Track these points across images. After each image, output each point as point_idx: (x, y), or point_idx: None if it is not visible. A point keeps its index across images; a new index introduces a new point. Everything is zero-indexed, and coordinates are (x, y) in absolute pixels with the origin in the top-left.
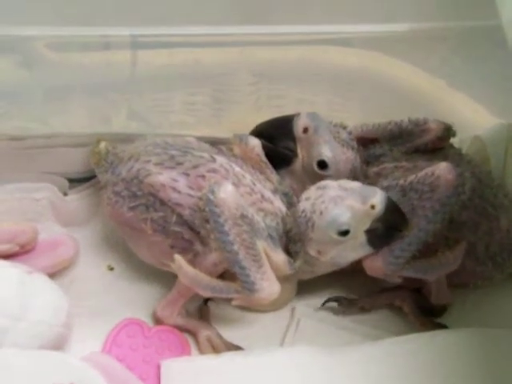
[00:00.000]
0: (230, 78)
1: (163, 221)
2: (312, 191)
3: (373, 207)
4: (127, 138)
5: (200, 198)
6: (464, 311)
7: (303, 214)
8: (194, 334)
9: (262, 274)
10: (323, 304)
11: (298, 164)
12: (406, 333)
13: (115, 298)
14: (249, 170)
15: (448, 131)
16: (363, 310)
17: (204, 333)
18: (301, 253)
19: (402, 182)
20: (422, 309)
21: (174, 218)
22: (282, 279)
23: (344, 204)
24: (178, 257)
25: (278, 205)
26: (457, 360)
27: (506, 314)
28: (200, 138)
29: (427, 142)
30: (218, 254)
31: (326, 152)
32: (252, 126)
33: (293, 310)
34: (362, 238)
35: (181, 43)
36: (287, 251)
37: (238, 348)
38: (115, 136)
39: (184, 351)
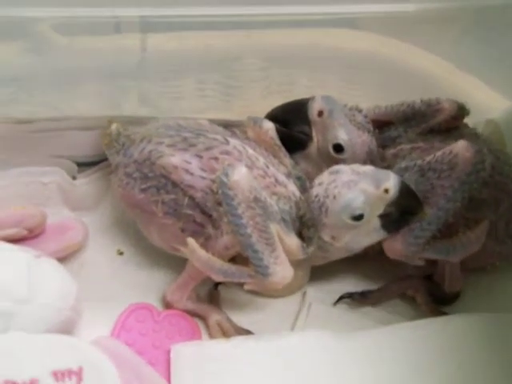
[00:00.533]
0: (240, 63)
1: (174, 203)
2: (325, 176)
3: (386, 191)
4: (138, 121)
5: (213, 181)
6: (476, 297)
7: (316, 199)
8: (204, 319)
9: (276, 258)
10: (337, 301)
11: (313, 148)
12: (420, 317)
13: (125, 283)
14: (262, 152)
15: (462, 110)
16: (376, 303)
17: (214, 317)
18: (314, 238)
19: (419, 162)
20: (435, 297)
21: (186, 201)
22: (295, 264)
23: (357, 188)
24: (190, 240)
25: (292, 189)
26: (469, 345)
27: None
28: (212, 121)
29: (441, 122)
30: (231, 237)
31: (342, 135)
32: (262, 111)
33: (304, 294)
34: (376, 222)
35: (191, 24)
36: (300, 236)
37: (248, 332)
38: (126, 119)
39: (194, 336)
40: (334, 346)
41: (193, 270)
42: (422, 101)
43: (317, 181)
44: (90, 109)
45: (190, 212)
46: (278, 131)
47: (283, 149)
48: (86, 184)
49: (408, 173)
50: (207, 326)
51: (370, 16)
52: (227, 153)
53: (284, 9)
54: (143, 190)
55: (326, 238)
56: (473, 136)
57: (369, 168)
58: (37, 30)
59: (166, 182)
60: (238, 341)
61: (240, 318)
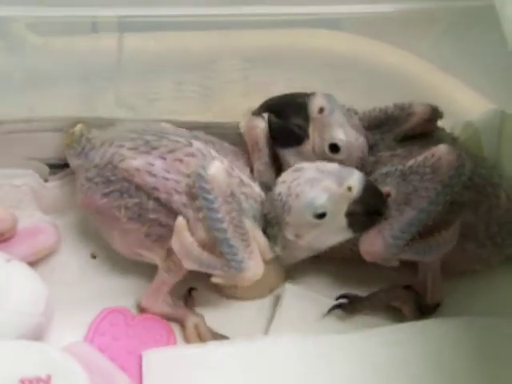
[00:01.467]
0: (218, 63)
1: (139, 208)
2: (288, 174)
3: (349, 189)
4: (113, 123)
5: (177, 181)
6: (455, 301)
7: (279, 198)
8: (180, 322)
9: (250, 254)
10: (329, 311)
11: (307, 145)
12: (396, 321)
13: (98, 287)
14: (226, 155)
15: (435, 113)
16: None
17: (191, 320)
18: (279, 237)
19: (401, 167)
20: (419, 308)
21: (151, 204)
22: (267, 264)
23: (320, 186)
24: (180, 220)
25: (257, 189)
26: (448, 349)
27: (496, 301)
28: (189, 123)
29: (414, 126)
30: (202, 235)
31: (340, 135)
32: (242, 112)
33: (278, 297)
34: (342, 221)
35: (168, 25)
36: (266, 235)
37: (223, 337)
38: (100, 121)
39: (169, 340)
40: (308, 350)
41: (164, 274)
42: (394, 105)
43: (280, 179)
44: (64, 110)
45: (154, 216)
46: (275, 123)
47: (265, 151)
48: (58, 186)
49: (389, 178)
50: (183, 330)
51: (349, 16)
52: (192, 155)
53: (263, 9)
54: (105, 195)
55: (290, 236)
56: (450, 141)
57: (333, 166)
58: (11, 29)
59: (128, 186)
60: (211, 346)
61: (214, 322)
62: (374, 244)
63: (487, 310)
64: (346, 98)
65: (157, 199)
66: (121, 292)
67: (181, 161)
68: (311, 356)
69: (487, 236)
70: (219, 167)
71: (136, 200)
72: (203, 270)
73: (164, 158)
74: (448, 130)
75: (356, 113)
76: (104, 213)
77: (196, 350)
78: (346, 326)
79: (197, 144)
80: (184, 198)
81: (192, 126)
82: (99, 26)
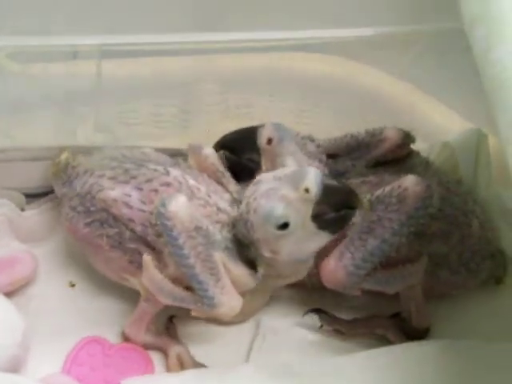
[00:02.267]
0: (196, 87)
1: (119, 237)
2: (248, 189)
3: (307, 191)
4: (90, 151)
5: (151, 213)
6: (436, 324)
7: (242, 217)
8: (163, 351)
9: (221, 289)
10: (304, 314)
11: None
12: (378, 346)
13: (77, 316)
14: (205, 181)
15: (406, 138)
16: (340, 333)
17: (175, 350)
18: (258, 257)
19: (369, 196)
20: (407, 334)
21: (128, 234)
22: (251, 291)
23: (276, 196)
24: (146, 257)
25: (233, 217)
26: (430, 372)
27: (478, 323)
28: (166, 150)
29: (386, 152)
30: (175, 270)
31: (290, 163)
32: (220, 135)
33: (258, 324)
34: (312, 226)
35: (146, 52)
36: (248, 261)
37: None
38: (78, 149)
39: (147, 369)
40: (289, 377)
41: (146, 303)
42: (366, 131)
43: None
44: (42, 138)
45: (133, 246)
46: (228, 159)
47: (227, 174)
48: (35, 215)
49: None
50: (166, 359)
51: (326, 41)
52: (167, 184)
53: (240, 35)
54: (87, 224)
55: (266, 253)
56: (423, 166)
57: (289, 170)
58: None
59: (107, 216)
60: (189, 375)
61: (194, 350)
62: (335, 271)
63: (467, 333)
64: (324, 120)
65: (133, 230)
66: (100, 321)
67: (156, 191)
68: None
69: (461, 263)
70: (180, 202)
71: (116, 230)
72: (178, 304)
73: (141, 189)
74: (425, 151)
75: (312, 140)
76: (88, 241)
77: (173, 379)
78: (328, 352)
79: (174, 172)
80: (156, 234)
81: (170, 153)
82: (77, 52)
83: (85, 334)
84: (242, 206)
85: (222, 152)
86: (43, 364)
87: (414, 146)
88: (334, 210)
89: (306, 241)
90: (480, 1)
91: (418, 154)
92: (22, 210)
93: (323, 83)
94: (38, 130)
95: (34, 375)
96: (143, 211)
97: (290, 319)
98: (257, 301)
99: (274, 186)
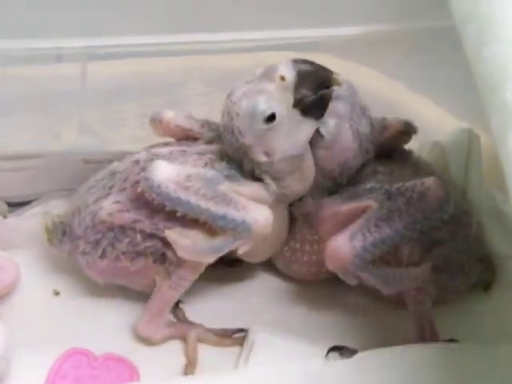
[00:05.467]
0: (182, 88)
1: (132, 245)
2: (224, 106)
3: (283, 78)
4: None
5: (143, 191)
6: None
7: (226, 129)
8: (182, 339)
9: (244, 209)
10: (327, 354)
11: None
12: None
13: (61, 326)
14: (174, 144)
15: (409, 127)
16: None
17: (194, 333)
18: (256, 168)
19: (387, 186)
20: None
21: (139, 237)
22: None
23: (255, 93)
24: (169, 232)
25: (216, 150)
26: (424, 376)
27: (470, 328)
28: None
29: (389, 139)
30: (198, 229)
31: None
32: None
33: (246, 332)
34: (296, 113)
35: (131, 53)
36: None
37: (240, 331)
38: (60, 160)
39: (132, 379)
40: (279, 381)
41: (169, 292)
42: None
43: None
44: (26, 142)
45: (149, 244)
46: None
47: (196, 127)
48: (17, 222)
49: (373, 193)
50: (186, 344)
51: (315, 40)
52: (142, 169)
53: (227, 35)
54: (102, 256)
55: (261, 158)
56: (426, 167)
57: (259, 69)
58: None
59: (114, 233)
60: (178, 381)
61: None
62: (342, 249)
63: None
64: None
65: (142, 230)
66: (85, 330)
67: (137, 182)
68: None
69: (457, 267)
70: (160, 166)
71: (127, 240)
72: (224, 252)
73: (124, 189)
74: (415, 150)
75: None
76: (111, 270)
77: None
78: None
79: (141, 156)
80: (162, 216)
81: None
82: (61, 54)
83: (69, 345)
84: (223, 119)
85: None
86: (26, 376)
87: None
88: (312, 92)
89: (294, 132)
90: None
91: (420, 157)
92: (5, 217)
93: None
94: (23, 134)
95: None
96: (139, 207)
97: (279, 327)
98: (275, 234)
99: (249, 87)
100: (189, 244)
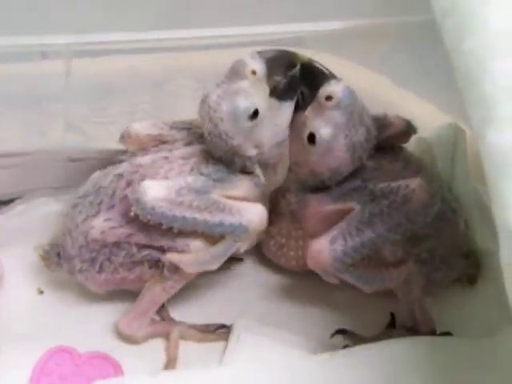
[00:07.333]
0: (169, 84)
1: (129, 257)
2: (201, 111)
3: (254, 72)
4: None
5: (136, 216)
6: None
7: (212, 135)
8: (166, 336)
9: (239, 212)
10: (331, 336)
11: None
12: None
13: (45, 324)
14: (151, 151)
15: (410, 127)
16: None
17: (177, 330)
18: (247, 162)
19: (371, 186)
20: None
21: (135, 249)
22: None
23: (230, 94)
24: (170, 255)
25: (200, 152)
26: (404, 370)
27: (455, 321)
28: None
29: (388, 138)
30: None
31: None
32: None
33: (232, 325)
34: (273, 101)
35: (116, 50)
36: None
37: (223, 327)
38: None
39: (117, 375)
40: (263, 378)
41: (156, 294)
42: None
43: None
44: (11, 140)
45: (145, 253)
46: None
47: (165, 129)
48: (2, 220)
49: (357, 193)
50: (168, 342)
51: (300, 35)
52: (128, 183)
53: (212, 31)
54: (99, 271)
55: (252, 151)
56: (415, 159)
57: (226, 71)
58: None
59: (109, 249)
60: (162, 377)
61: None
62: (323, 252)
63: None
64: None
65: (137, 243)
66: (69, 329)
67: (125, 197)
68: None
69: (442, 260)
70: (149, 187)
71: (123, 252)
72: (226, 257)
73: (112, 206)
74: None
75: None
76: (112, 281)
77: (147, 380)
78: (302, 352)
79: (123, 166)
80: (156, 228)
81: None
82: (46, 51)
83: (53, 343)
84: (206, 126)
85: None
86: (10, 375)
87: None
88: (283, 75)
89: (277, 118)
90: None
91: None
92: None
93: None
94: (7, 132)
95: None
96: (131, 221)
97: (265, 321)
98: None
99: (222, 89)
100: (192, 258)
